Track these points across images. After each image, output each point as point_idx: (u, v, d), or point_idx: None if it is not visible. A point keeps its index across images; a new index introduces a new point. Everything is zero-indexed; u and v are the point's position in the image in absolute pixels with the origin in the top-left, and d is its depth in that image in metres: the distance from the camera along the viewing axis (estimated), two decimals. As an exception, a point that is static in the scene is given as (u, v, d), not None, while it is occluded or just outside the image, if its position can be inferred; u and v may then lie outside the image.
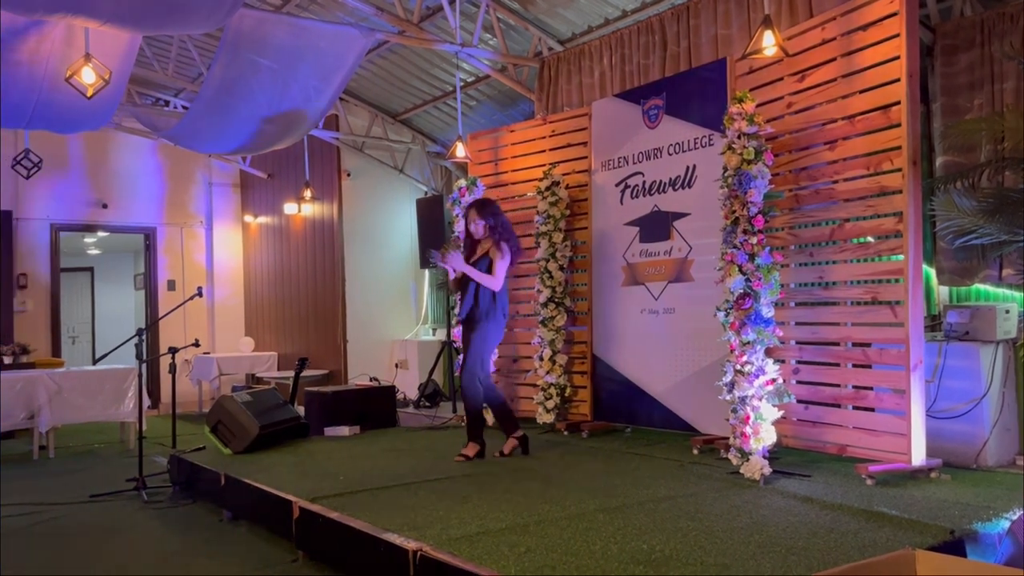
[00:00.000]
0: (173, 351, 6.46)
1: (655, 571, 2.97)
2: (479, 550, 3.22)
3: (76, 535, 4.65)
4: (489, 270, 5.30)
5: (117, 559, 4.19)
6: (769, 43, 4.49)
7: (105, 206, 10.68)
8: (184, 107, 10.01)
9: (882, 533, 3.33)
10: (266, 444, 5.97)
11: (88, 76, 5.44)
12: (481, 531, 3.51)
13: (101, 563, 4.13)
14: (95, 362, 12.90)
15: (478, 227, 5.41)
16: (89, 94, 5.52)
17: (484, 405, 5.48)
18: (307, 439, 6.44)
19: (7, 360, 7.92)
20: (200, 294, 6.49)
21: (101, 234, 11.36)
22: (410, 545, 3.27)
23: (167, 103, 10.40)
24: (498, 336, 5.47)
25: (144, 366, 5.90)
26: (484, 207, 5.50)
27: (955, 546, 3.22)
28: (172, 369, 6.55)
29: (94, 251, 13.88)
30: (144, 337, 5.72)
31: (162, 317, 7.93)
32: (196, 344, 7.19)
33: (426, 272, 10.49)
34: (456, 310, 5.51)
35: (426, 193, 10.40)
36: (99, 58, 5.49)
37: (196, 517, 5.01)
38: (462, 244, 5.55)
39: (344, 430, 6.76)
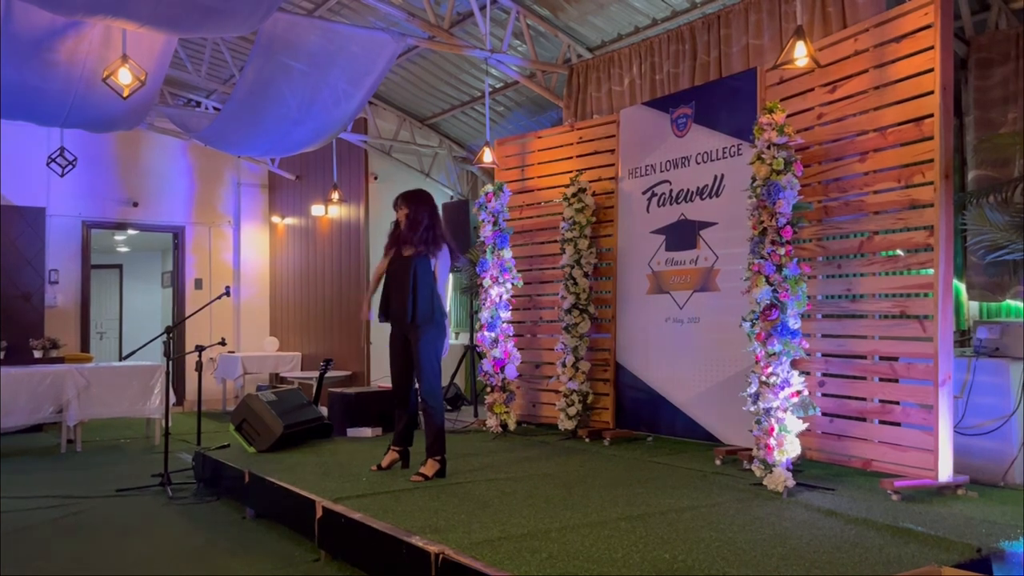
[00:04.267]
0: (200, 349, 6.54)
1: (677, 581, 2.96)
2: (501, 555, 3.24)
3: (101, 529, 4.72)
4: (432, 271, 5.00)
5: (141, 554, 4.24)
6: (801, 54, 4.46)
7: (136, 204, 10.82)
8: (216, 108, 10.13)
9: (908, 549, 3.30)
10: (290, 444, 6.02)
11: (125, 77, 5.52)
12: (503, 536, 3.52)
13: (125, 558, 4.18)
14: (122, 358, 13.09)
15: (402, 218, 5.07)
16: (125, 94, 5.60)
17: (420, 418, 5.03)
18: (330, 439, 6.48)
19: (37, 354, 8.05)
20: (228, 294, 6.55)
21: (131, 232, 11.51)
22: (432, 548, 3.29)
23: (198, 104, 10.53)
24: (446, 341, 5.07)
25: (170, 363, 5.97)
26: (411, 197, 5.15)
27: (982, 564, 3.19)
28: (199, 367, 6.62)
29: (123, 249, 14.07)
30: (172, 335, 5.79)
31: (190, 315, 8.01)
32: (223, 343, 7.26)
33: (449, 276, 10.50)
34: (384, 311, 5.08)
35: (452, 198, 10.45)
36: (135, 59, 5.57)
37: (219, 514, 5.07)
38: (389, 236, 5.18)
39: (367, 431, 6.80)
